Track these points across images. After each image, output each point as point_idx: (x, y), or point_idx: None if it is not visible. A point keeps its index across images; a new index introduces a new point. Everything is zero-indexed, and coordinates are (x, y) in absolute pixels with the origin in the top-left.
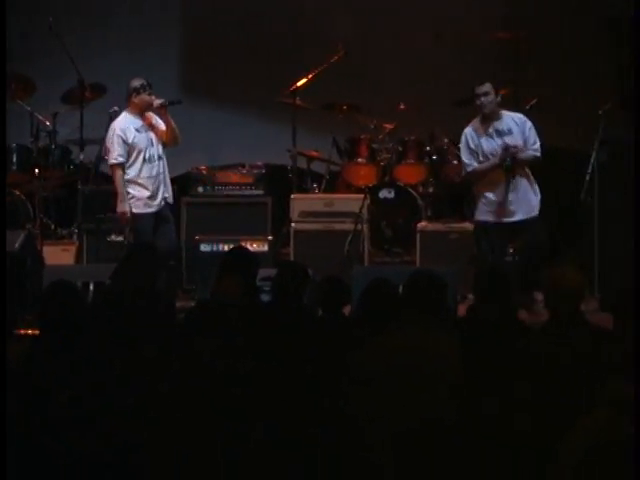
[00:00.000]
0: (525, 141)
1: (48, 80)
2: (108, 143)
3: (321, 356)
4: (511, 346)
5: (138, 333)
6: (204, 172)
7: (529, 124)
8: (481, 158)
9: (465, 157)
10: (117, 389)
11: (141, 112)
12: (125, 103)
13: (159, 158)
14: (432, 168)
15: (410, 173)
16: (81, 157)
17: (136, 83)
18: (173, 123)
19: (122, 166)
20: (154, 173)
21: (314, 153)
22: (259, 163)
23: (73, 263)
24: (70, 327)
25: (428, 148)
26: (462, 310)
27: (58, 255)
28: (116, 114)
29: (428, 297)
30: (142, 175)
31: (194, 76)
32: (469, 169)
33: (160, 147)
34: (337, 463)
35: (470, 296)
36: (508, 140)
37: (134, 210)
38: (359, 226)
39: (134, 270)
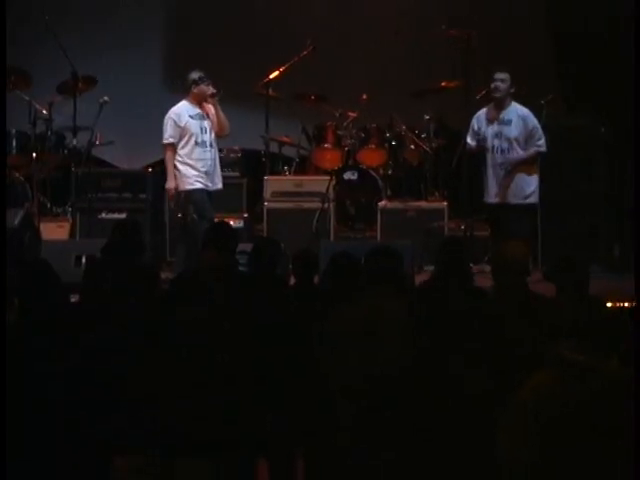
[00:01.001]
0: (527, 136)
1: (45, 73)
2: (163, 126)
3: (293, 319)
4: (464, 309)
5: (125, 302)
6: None
7: (533, 122)
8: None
9: (468, 135)
10: (105, 357)
11: (199, 102)
12: (185, 94)
13: (211, 145)
14: (391, 152)
15: (372, 157)
16: (74, 142)
17: (195, 75)
18: (222, 113)
19: (172, 146)
20: (205, 157)
21: (285, 139)
22: (235, 148)
23: (67, 238)
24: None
25: (388, 134)
26: (418, 279)
27: (54, 231)
28: (106, 103)
29: (386, 268)
30: (193, 157)
31: (176, 70)
32: (467, 146)
33: (213, 135)
34: (308, 410)
35: (426, 267)
36: (505, 130)
37: (186, 187)
38: (326, 205)
39: (125, 244)
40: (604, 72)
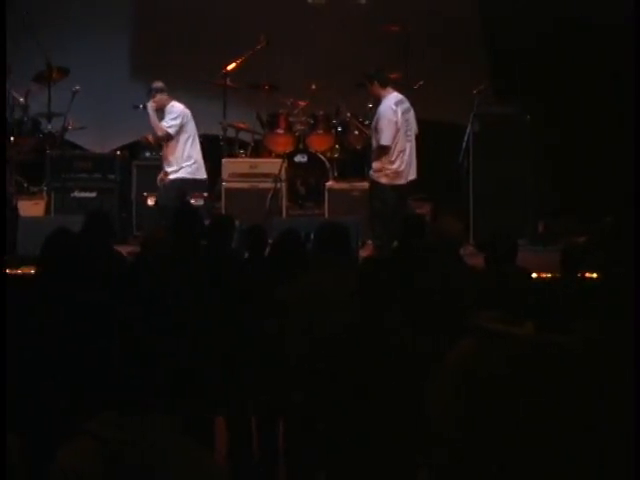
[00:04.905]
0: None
1: (21, 63)
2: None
3: (246, 288)
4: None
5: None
6: (150, 140)
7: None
8: None
9: None
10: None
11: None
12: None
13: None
14: (338, 137)
15: (320, 141)
16: (49, 127)
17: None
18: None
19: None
20: None
21: (241, 125)
22: None
23: (43, 215)
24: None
25: (334, 121)
26: (362, 253)
27: (30, 208)
28: (78, 92)
29: (333, 242)
30: None
31: (142, 62)
32: None
33: None
34: (270, 366)
35: (369, 242)
36: None
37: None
38: (278, 185)
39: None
40: (532, 67)
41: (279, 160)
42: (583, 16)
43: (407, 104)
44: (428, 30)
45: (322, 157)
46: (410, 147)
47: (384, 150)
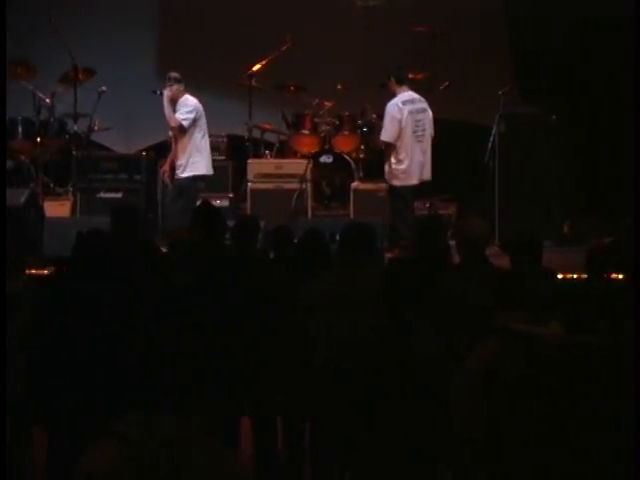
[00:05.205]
0: None
1: (48, 64)
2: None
3: (272, 288)
4: (432, 281)
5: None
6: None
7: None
8: None
9: None
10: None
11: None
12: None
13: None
14: (363, 138)
15: (345, 142)
16: (75, 128)
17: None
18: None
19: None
20: None
21: (267, 126)
22: (222, 134)
23: (68, 215)
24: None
25: (360, 122)
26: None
27: (56, 209)
28: (104, 93)
29: (359, 243)
30: None
31: (169, 62)
32: None
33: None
34: (295, 365)
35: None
36: None
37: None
38: (303, 185)
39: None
40: (557, 67)
41: (304, 161)
42: (608, 15)
43: (420, 105)
44: (454, 31)
45: (347, 158)
46: (421, 148)
47: (387, 148)
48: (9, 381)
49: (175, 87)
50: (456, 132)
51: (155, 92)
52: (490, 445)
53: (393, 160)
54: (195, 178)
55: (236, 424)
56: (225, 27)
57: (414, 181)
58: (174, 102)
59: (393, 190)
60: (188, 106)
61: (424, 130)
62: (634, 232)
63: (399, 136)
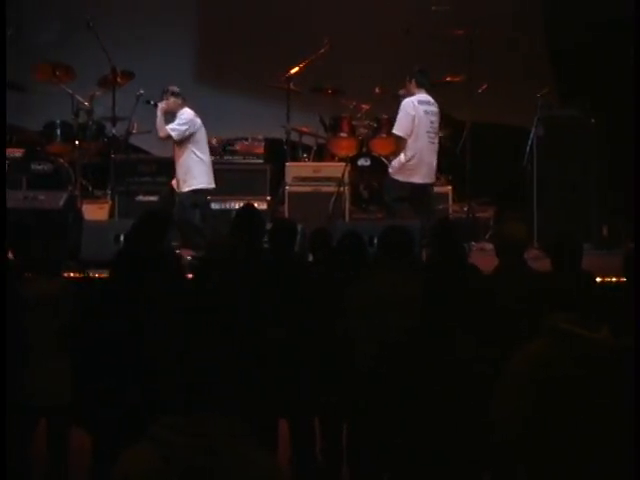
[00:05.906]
0: None
1: (86, 68)
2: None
3: (311, 291)
4: (466, 284)
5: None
6: (215, 144)
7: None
8: None
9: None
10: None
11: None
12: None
13: None
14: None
15: (383, 145)
16: (113, 131)
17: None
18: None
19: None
20: None
21: (304, 129)
22: (260, 137)
23: (107, 218)
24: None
25: None
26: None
27: (94, 212)
28: (142, 96)
29: (399, 244)
30: None
31: (206, 65)
32: None
33: None
34: (333, 367)
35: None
36: None
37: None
38: (341, 189)
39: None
40: (596, 71)
41: (342, 164)
42: None
43: (435, 108)
44: (492, 34)
45: (385, 161)
46: (432, 149)
47: (398, 142)
48: (38, 382)
49: (172, 100)
50: (494, 135)
51: (149, 102)
52: (535, 446)
53: (403, 155)
54: (195, 192)
55: (274, 426)
56: (263, 30)
57: (417, 179)
58: (171, 114)
59: (392, 183)
60: (182, 119)
61: (436, 133)
62: (634, 232)
63: (412, 132)
